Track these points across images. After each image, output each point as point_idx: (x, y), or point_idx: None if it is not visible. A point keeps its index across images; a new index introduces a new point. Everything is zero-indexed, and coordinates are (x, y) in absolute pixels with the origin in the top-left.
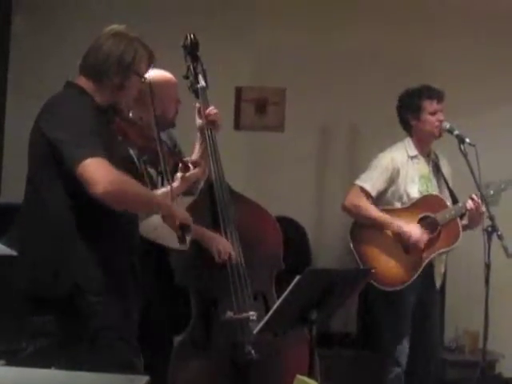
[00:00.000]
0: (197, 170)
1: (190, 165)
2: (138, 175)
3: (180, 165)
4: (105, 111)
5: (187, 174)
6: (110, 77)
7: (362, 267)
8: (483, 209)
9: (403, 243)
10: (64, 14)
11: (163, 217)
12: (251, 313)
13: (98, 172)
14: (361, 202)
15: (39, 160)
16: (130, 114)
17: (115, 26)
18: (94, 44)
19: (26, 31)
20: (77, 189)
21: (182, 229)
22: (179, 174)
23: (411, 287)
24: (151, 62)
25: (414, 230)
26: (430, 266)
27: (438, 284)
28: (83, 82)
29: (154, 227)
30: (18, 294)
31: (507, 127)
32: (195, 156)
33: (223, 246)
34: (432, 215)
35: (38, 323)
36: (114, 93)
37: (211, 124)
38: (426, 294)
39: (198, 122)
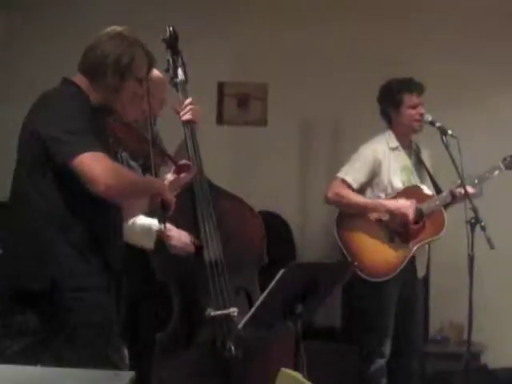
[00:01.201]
0: (188, 173)
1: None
2: None
3: (173, 167)
4: (98, 110)
5: (181, 176)
6: (106, 78)
7: (348, 257)
8: (469, 190)
9: (390, 231)
10: (49, 11)
11: (152, 196)
12: (232, 309)
13: (97, 167)
14: (343, 191)
15: (28, 158)
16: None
17: (116, 27)
18: (94, 43)
19: (10, 30)
20: (62, 187)
21: (164, 209)
22: (170, 176)
23: (395, 278)
24: (151, 67)
25: (400, 202)
26: (412, 256)
27: (420, 275)
28: (79, 79)
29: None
30: (1, 292)
31: (489, 119)
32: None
33: (177, 240)
34: (417, 206)
35: (22, 321)
36: (108, 94)
37: (188, 120)
38: (409, 285)
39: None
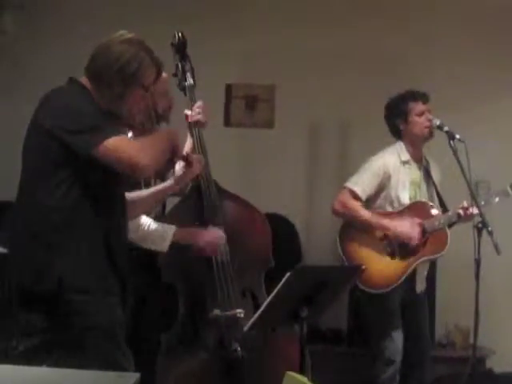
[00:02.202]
0: (196, 166)
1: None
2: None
3: (182, 162)
4: (105, 113)
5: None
6: (111, 86)
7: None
8: (475, 211)
9: (391, 247)
10: (53, 12)
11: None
12: (238, 310)
13: (127, 151)
14: (350, 203)
15: (35, 158)
16: None
17: (124, 32)
18: (101, 48)
19: (14, 29)
20: (71, 189)
21: (172, 153)
22: (179, 169)
23: (395, 290)
24: (159, 74)
25: (404, 226)
26: (413, 271)
27: (418, 289)
28: (86, 82)
29: (137, 228)
30: (7, 292)
31: (497, 123)
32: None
33: (211, 237)
34: (421, 222)
35: (29, 321)
36: (114, 101)
37: (196, 123)
38: (408, 297)
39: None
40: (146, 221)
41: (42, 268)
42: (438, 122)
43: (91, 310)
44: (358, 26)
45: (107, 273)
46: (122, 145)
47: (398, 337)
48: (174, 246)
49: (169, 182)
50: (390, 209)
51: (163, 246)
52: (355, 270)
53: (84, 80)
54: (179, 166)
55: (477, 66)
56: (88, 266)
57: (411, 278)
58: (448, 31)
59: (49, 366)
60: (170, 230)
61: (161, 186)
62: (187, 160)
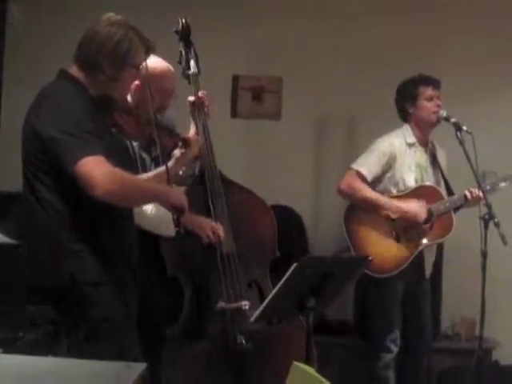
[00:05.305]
0: (194, 147)
1: (190, 140)
2: (130, 162)
3: (180, 143)
4: (98, 101)
5: (188, 150)
6: (102, 69)
7: (352, 249)
8: (481, 194)
9: (397, 229)
10: (59, 3)
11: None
12: (243, 302)
13: (95, 172)
14: (356, 183)
15: (33, 156)
16: (129, 99)
17: (111, 15)
18: (88, 33)
19: (21, 20)
20: (71, 185)
21: (177, 212)
22: (177, 151)
23: (400, 275)
24: (149, 53)
25: (411, 205)
26: (421, 256)
27: (427, 274)
28: (76, 71)
29: (145, 214)
30: (17, 284)
31: (504, 115)
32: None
33: (211, 228)
34: (427, 206)
35: (35, 313)
36: (107, 84)
37: (197, 106)
38: (416, 284)
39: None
40: (150, 205)
41: (54, 263)
42: (444, 114)
43: (102, 302)
44: (366, 19)
45: (119, 266)
46: (95, 165)
47: (397, 326)
48: (180, 234)
49: (169, 165)
50: (394, 191)
51: (170, 230)
52: (362, 260)
53: (73, 70)
54: (178, 150)
55: (484, 57)
56: (99, 259)
57: (420, 265)
58: (461, 23)
59: (56, 355)
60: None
61: (160, 168)
62: (185, 141)
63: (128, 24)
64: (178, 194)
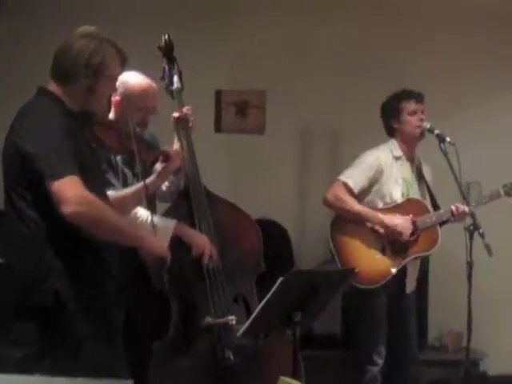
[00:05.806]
0: (175, 160)
1: (171, 153)
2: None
3: (161, 157)
4: (77, 116)
5: (169, 164)
6: (79, 80)
7: (338, 262)
8: (466, 209)
9: (383, 241)
10: (48, 15)
11: (139, 248)
12: (230, 317)
13: (69, 192)
14: (342, 195)
15: (13, 173)
16: (111, 116)
17: (85, 27)
18: (62, 46)
19: (11, 31)
20: (51, 202)
21: (160, 264)
22: (158, 165)
23: (383, 288)
24: (124, 64)
25: (396, 220)
26: (404, 270)
27: (408, 289)
28: (54, 87)
29: (139, 221)
30: (1, 302)
31: (487, 126)
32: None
33: (202, 241)
34: (413, 219)
35: (22, 331)
36: (85, 97)
37: (182, 122)
38: (397, 298)
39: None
40: (145, 213)
41: (37, 281)
42: (428, 126)
43: (86, 319)
44: (349, 31)
45: (101, 278)
46: (71, 186)
47: (382, 338)
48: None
49: (150, 179)
50: (380, 204)
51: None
52: (348, 273)
53: (52, 86)
54: (159, 164)
55: (468, 68)
56: (82, 276)
57: (401, 280)
58: (439, 33)
59: (42, 374)
60: (171, 222)
61: (139, 184)
62: (165, 155)
63: (101, 36)
64: (160, 243)
